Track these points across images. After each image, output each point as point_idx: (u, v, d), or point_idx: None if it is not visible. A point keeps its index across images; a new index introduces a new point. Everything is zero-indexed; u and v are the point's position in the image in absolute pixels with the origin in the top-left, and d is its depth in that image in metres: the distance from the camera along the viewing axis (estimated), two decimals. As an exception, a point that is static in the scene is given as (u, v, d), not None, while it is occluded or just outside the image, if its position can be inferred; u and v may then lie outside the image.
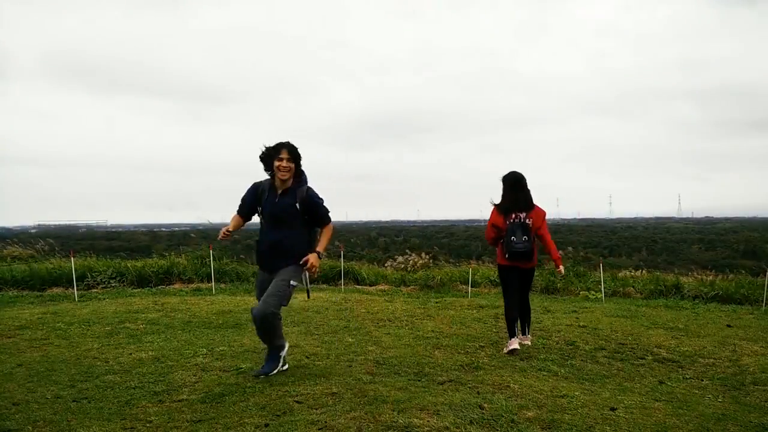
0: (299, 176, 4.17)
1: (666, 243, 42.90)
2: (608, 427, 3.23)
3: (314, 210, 4.17)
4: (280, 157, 4.02)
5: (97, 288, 9.49)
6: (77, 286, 8.80)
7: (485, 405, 3.51)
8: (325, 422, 3.20)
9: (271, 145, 4.09)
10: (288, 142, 4.08)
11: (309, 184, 4.20)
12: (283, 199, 4.10)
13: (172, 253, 11.85)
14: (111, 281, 9.77)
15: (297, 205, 4.08)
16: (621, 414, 3.45)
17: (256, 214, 4.25)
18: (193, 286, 9.83)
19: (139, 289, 9.45)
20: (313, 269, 4.12)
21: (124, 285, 9.76)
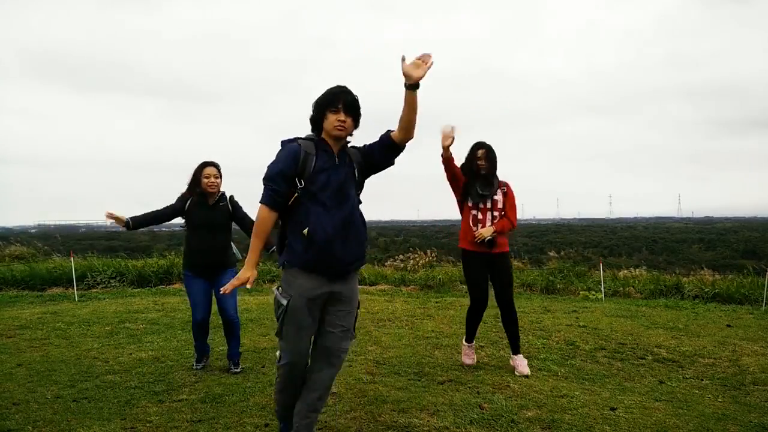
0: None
1: (666, 243, 42.89)
2: (608, 427, 3.23)
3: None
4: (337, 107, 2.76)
5: (97, 288, 9.49)
6: (77, 286, 8.80)
7: (485, 405, 3.51)
8: (325, 422, 3.20)
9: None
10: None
11: None
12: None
13: (172, 253, 11.85)
14: (111, 281, 9.77)
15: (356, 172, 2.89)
16: (621, 414, 3.45)
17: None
18: (193, 286, 9.82)
19: (139, 289, 9.45)
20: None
21: (124, 285, 9.75)
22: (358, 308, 2.90)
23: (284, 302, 2.69)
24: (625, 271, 11.71)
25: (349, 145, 2.87)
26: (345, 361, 4.61)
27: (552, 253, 16.70)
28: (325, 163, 2.72)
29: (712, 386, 4.20)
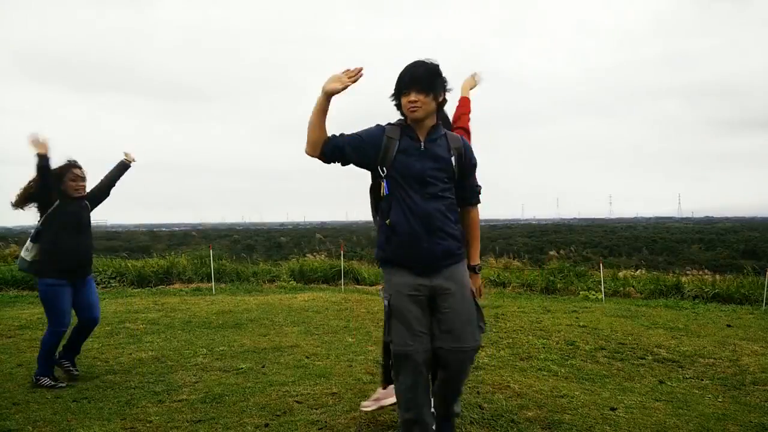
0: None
1: (666, 243, 42.82)
2: (608, 427, 3.23)
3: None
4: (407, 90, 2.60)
5: (96, 288, 9.49)
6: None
7: (485, 405, 3.50)
8: (325, 422, 3.20)
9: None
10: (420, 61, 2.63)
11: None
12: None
13: (172, 253, 11.88)
14: (111, 281, 9.78)
15: (453, 159, 2.67)
16: (621, 414, 3.45)
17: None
18: (193, 286, 9.83)
19: (139, 289, 9.45)
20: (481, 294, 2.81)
21: (124, 285, 9.76)
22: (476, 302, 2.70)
23: (386, 302, 2.61)
24: (625, 271, 11.73)
25: (451, 132, 2.74)
26: (345, 361, 4.63)
27: (552, 253, 16.71)
28: (409, 149, 2.60)
29: (712, 386, 4.21)
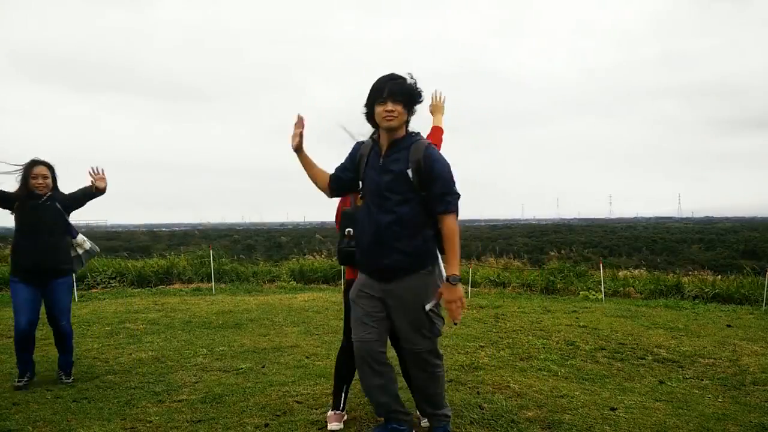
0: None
1: (666, 243, 42.84)
2: (608, 427, 3.23)
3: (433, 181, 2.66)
4: (383, 98, 2.66)
5: (97, 288, 9.50)
6: (77, 286, 8.79)
7: (485, 405, 3.51)
8: (325, 422, 3.20)
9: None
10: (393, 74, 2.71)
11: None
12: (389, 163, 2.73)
13: (172, 253, 11.89)
14: (111, 281, 9.78)
15: (409, 171, 2.65)
16: (621, 414, 3.45)
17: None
18: (193, 286, 9.83)
19: (139, 289, 9.45)
20: (455, 307, 2.63)
21: (124, 285, 9.76)
22: (430, 311, 2.71)
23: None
24: (625, 271, 11.74)
25: (420, 142, 2.70)
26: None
27: (552, 253, 16.71)
28: (373, 164, 2.75)
29: (712, 386, 4.21)
